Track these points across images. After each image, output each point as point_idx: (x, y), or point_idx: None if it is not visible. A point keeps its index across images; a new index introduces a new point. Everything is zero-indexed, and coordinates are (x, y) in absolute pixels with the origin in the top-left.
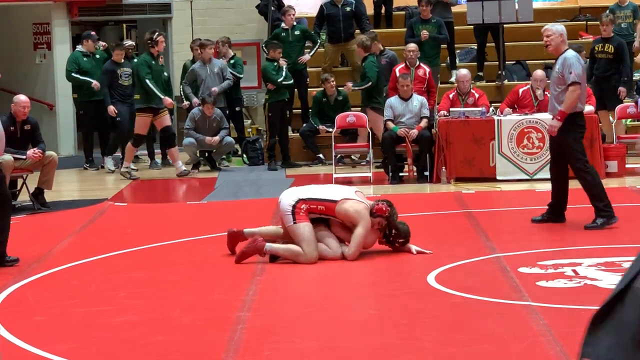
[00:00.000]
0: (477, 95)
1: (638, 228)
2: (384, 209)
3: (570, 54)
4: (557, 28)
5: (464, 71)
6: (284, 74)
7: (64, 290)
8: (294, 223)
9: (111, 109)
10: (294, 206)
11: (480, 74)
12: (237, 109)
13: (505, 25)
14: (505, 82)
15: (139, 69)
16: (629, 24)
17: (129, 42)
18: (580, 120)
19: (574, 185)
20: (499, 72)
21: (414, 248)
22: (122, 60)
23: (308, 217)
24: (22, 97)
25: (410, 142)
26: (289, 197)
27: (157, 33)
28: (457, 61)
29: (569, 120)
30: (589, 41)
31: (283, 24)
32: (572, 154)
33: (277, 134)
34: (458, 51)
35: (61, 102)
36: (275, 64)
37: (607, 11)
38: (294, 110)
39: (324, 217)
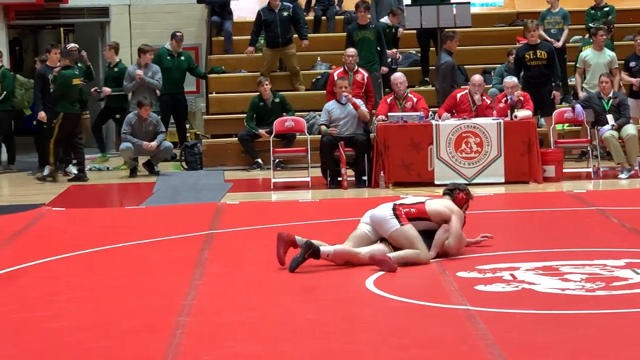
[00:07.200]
0: (415, 100)
1: (575, 232)
2: (463, 197)
3: None
4: None
5: (398, 73)
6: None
7: (0, 296)
8: (401, 225)
9: (41, 114)
10: (394, 209)
11: (427, 79)
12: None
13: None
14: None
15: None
16: (558, 30)
17: (72, 45)
18: None
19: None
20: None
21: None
22: (58, 64)
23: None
24: None
25: (344, 148)
26: (383, 208)
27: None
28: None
29: None
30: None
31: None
32: None
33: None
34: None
35: None
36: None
37: (538, 19)
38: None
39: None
